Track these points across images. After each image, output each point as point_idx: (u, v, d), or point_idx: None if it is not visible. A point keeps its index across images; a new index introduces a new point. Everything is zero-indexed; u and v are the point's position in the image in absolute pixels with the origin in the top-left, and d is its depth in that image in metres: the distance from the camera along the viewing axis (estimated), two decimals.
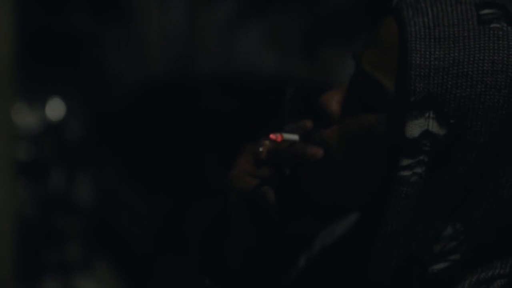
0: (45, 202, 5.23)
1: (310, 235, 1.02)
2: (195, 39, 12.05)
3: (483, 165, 0.86)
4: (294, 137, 0.93)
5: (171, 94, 7.47)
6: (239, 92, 7.46)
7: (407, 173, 0.85)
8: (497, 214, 0.87)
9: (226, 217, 0.97)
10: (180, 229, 5.82)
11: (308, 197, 0.90)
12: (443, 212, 0.86)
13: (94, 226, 5.38)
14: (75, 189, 5.30)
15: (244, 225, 0.95)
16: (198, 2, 11.34)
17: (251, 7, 9.01)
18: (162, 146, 6.65)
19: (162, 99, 7.39)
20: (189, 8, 11.86)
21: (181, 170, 6.33)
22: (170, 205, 6.09)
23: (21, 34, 4.21)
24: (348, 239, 0.99)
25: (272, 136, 0.93)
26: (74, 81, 8.73)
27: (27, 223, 5.07)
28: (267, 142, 0.96)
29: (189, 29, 12.15)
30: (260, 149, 0.96)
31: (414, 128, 0.86)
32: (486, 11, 0.88)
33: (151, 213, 6.06)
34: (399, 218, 0.85)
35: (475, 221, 0.87)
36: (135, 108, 7.32)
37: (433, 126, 0.86)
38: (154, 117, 7.03)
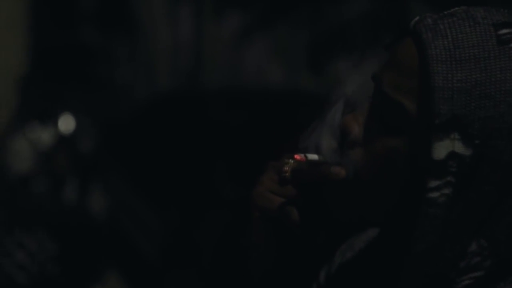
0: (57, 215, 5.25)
1: (331, 249, 1.05)
2: (203, 54, 12.05)
3: (508, 182, 0.88)
4: (318, 157, 0.94)
5: (179, 107, 7.48)
6: (247, 105, 7.46)
7: (435, 194, 0.87)
8: None
9: (240, 230, 0.98)
10: (191, 242, 5.84)
11: (331, 215, 0.92)
12: (469, 229, 0.88)
13: (106, 239, 5.40)
14: (87, 203, 5.32)
15: (267, 241, 0.96)
16: (205, 17, 11.36)
17: (258, 22, 9.04)
18: (171, 159, 6.67)
19: (171, 112, 7.41)
20: (197, 23, 11.87)
21: (191, 183, 6.34)
22: (180, 217, 6.11)
23: (32, 51, 4.25)
24: (370, 254, 1.01)
25: (296, 156, 0.95)
26: (85, 95, 8.74)
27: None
28: (291, 161, 0.97)
29: (197, 44, 12.16)
30: (284, 168, 0.96)
31: (440, 150, 0.87)
32: (504, 30, 0.89)
33: (162, 225, 6.08)
34: (428, 239, 0.87)
35: (499, 236, 0.88)
36: (145, 121, 7.33)
37: (459, 147, 0.87)
38: (164, 130, 7.05)
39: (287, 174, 0.97)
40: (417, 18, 0.94)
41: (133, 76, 10.94)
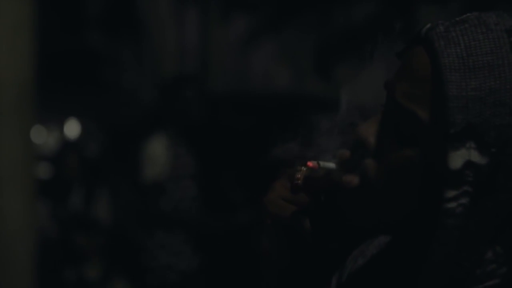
0: (64, 220, 5.25)
1: (342, 256, 1.03)
2: (209, 58, 12.07)
3: None
4: (331, 165, 0.94)
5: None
6: (253, 110, 7.46)
7: (452, 204, 0.87)
8: None
9: (257, 236, 0.98)
10: (197, 247, 5.83)
11: (344, 223, 0.91)
12: (486, 238, 0.88)
13: (113, 244, 5.40)
14: (94, 208, 5.32)
15: (279, 247, 0.96)
16: (212, 21, 11.38)
17: (265, 26, 9.04)
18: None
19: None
20: (203, 27, 11.89)
21: (198, 188, 6.34)
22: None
23: (39, 56, 4.25)
24: (382, 261, 1.00)
25: (309, 163, 0.94)
26: (91, 101, 8.77)
27: (47, 241, 5.10)
28: (304, 169, 0.96)
29: (203, 48, 12.18)
30: (297, 175, 0.96)
31: (457, 160, 0.86)
32: None
33: None
34: (446, 249, 0.86)
35: None
36: (151, 126, 7.33)
37: (475, 156, 0.86)
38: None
39: (299, 181, 0.96)
40: (428, 25, 0.92)
41: (139, 81, 10.95)
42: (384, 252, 1.00)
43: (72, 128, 6.97)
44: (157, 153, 4.54)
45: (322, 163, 0.94)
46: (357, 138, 0.93)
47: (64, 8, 10.04)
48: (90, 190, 5.39)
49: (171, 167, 4.56)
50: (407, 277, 0.92)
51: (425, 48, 0.90)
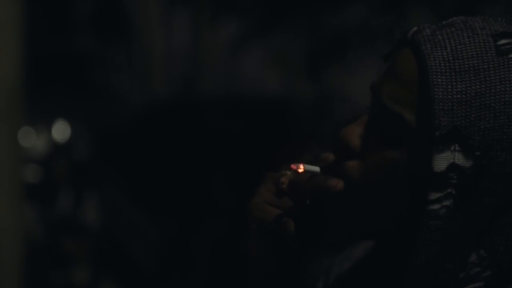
0: (52, 224, 5.23)
1: (328, 260, 1.03)
2: (199, 61, 12.07)
3: (508, 193, 0.88)
4: (316, 168, 0.93)
5: (176, 115, 7.48)
6: (244, 113, 7.47)
7: (436, 206, 0.87)
8: None
9: (241, 241, 0.98)
10: (187, 251, 5.82)
11: (329, 227, 0.91)
12: (469, 240, 0.88)
13: (101, 248, 5.38)
14: (82, 211, 5.30)
15: (264, 252, 0.96)
16: (202, 25, 11.38)
17: (255, 29, 9.05)
18: (168, 167, 6.66)
19: (167, 120, 7.40)
20: (193, 30, 11.89)
21: (187, 191, 6.33)
22: (176, 226, 6.09)
23: (27, 58, 4.24)
24: (367, 265, 1.00)
25: (293, 166, 0.94)
26: (80, 103, 8.75)
27: (35, 245, 5.08)
28: (288, 173, 0.95)
29: (193, 51, 12.18)
30: (281, 179, 0.95)
31: (441, 162, 0.87)
32: (503, 41, 0.89)
33: (158, 234, 6.07)
34: (429, 251, 0.87)
35: (499, 247, 0.88)
36: (141, 129, 7.33)
37: (459, 159, 0.87)
38: (160, 138, 7.05)
39: (284, 185, 0.95)
40: (415, 28, 0.92)
41: (129, 84, 10.94)
42: (370, 256, 1.00)
43: (61, 131, 6.95)
44: None
45: (307, 167, 0.94)
46: (341, 140, 0.92)
47: (53, 10, 10.02)
48: (78, 194, 5.37)
49: None
50: (393, 280, 0.92)
51: (412, 51, 0.90)
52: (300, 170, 0.93)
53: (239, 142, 6.75)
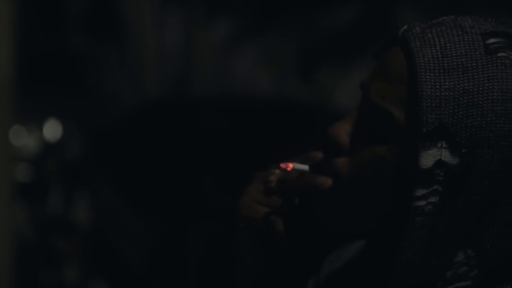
0: (43, 223, 5.23)
1: (319, 260, 1.03)
2: (191, 61, 12.07)
3: (495, 192, 0.88)
4: (304, 167, 0.94)
5: (168, 115, 7.48)
6: (236, 113, 7.46)
7: (422, 203, 0.87)
8: (508, 239, 0.89)
9: (231, 240, 0.98)
10: (177, 251, 5.82)
11: (318, 225, 0.92)
12: (456, 238, 0.88)
13: (92, 248, 5.38)
14: (73, 211, 5.30)
15: (253, 251, 0.97)
16: (195, 24, 11.38)
17: (247, 29, 9.05)
18: (159, 167, 6.65)
19: (159, 119, 7.40)
20: (186, 30, 11.89)
21: (179, 191, 6.33)
22: (167, 226, 6.09)
23: (19, 57, 4.23)
24: (358, 264, 1.00)
25: (282, 165, 0.94)
26: (71, 102, 8.74)
27: (25, 244, 5.07)
28: (277, 171, 0.96)
29: (185, 51, 12.18)
30: (270, 178, 0.96)
31: (428, 159, 0.87)
32: (492, 40, 0.90)
33: (148, 234, 6.06)
34: (414, 247, 0.87)
35: (486, 246, 0.89)
36: (133, 128, 7.32)
37: (446, 156, 0.87)
38: (152, 138, 7.04)
39: (273, 183, 0.95)
40: (405, 26, 0.93)
41: (121, 83, 10.93)
42: (360, 256, 1.01)
43: (52, 130, 6.93)
44: None
45: (295, 165, 0.94)
46: (329, 138, 0.92)
47: (46, 9, 10.00)
48: (69, 193, 5.37)
49: None
50: (381, 279, 0.92)
51: (401, 49, 0.91)
52: (289, 169, 0.94)
53: (231, 142, 6.75)
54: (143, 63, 11.01)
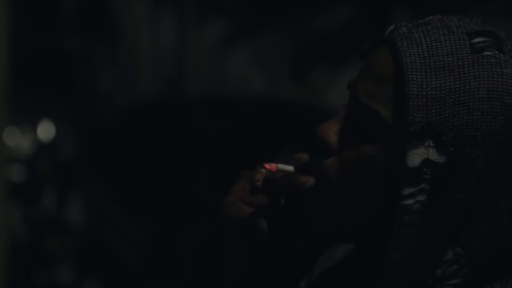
0: (36, 223, 5.22)
1: (310, 259, 1.04)
2: (184, 61, 12.06)
3: (482, 189, 0.89)
4: (289, 167, 0.94)
5: (161, 115, 7.47)
6: (229, 114, 7.46)
7: (409, 201, 0.87)
8: (497, 236, 0.90)
9: (219, 239, 0.98)
10: (171, 251, 5.82)
11: (306, 226, 0.92)
12: (445, 236, 0.88)
13: (85, 248, 5.38)
14: (67, 211, 5.30)
15: (238, 249, 0.97)
16: (187, 25, 11.38)
17: (240, 30, 9.05)
18: (152, 167, 6.65)
19: (152, 120, 7.40)
20: (179, 30, 11.88)
21: (172, 191, 6.33)
22: (161, 226, 6.09)
23: (12, 58, 4.23)
24: (349, 264, 1.01)
25: (267, 165, 0.94)
26: (65, 103, 8.73)
27: (19, 244, 5.07)
28: (263, 171, 0.95)
29: (178, 51, 12.17)
30: (256, 177, 0.95)
31: (415, 158, 0.87)
32: (477, 39, 0.90)
33: (142, 234, 6.06)
34: (403, 246, 0.87)
35: (475, 244, 0.89)
36: (126, 129, 7.32)
37: (433, 155, 0.87)
38: (145, 138, 7.04)
39: (258, 183, 0.95)
40: (392, 26, 0.94)
41: (114, 84, 10.93)
42: (351, 255, 1.01)
43: (46, 131, 6.93)
44: None
45: (280, 166, 0.94)
46: (317, 138, 0.92)
47: (39, 9, 9.99)
48: (63, 193, 5.37)
49: None
50: (372, 278, 0.93)
51: (388, 49, 0.91)
52: (274, 169, 0.94)
53: (223, 143, 6.75)
54: (136, 64, 11.01)
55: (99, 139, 7.28)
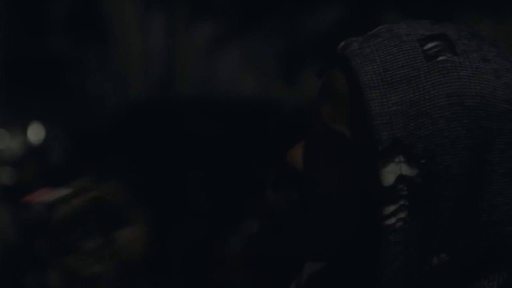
0: (27, 226, 5.21)
1: (300, 261, 1.03)
2: (175, 63, 12.06)
3: (461, 195, 0.88)
4: (65, 191, 0.88)
5: (151, 117, 7.47)
6: (219, 115, 7.47)
7: (391, 221, 0.86)
8: (480, 236, 0.90)
9: (211, 241, 0.97)
10: (161, 251, 5.82)
11: (285, 253, 0.91)
12: (431, 247, 0.88)
13: None
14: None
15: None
16: (178, 26, 11.37)
17: (231, 31, 9.05)
18: (143, 169, 6.65)
19: (142, 122, 7.39)
20: (169, 32, 11.88)
21: (162, 193, 6.33)
22: (151, 227, 6.09)
23: (2, 60, 4.22)
24: (339, 266, 0.98)
25: (41, 191, 0.88)
26: (55, 105, 8.73)
27: (9, 247, 5.05)
28: (44, 200, 0.90)
29: (169, 53, 12.16)
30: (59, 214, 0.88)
31: (388, 176, 0.86)
32: (429, 45, 0.89)
33: None
34: (393, 266, 0.87)
35: (459, 247, 0.89)
36: (116, 131, 7.31)
37: (406, 170, 0.86)
38: (135, 140, 7.04)
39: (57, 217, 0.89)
40: (343, 43, 0.91)
41: (105, 85, 10.92)
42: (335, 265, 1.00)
43: (36, 133, 6.92)
44: None
45: (55, 193, 0.88)
46: (287, 165, 0.91)
47: (29, 12, 9.98)
48: None
49: None
50: (363, 283, 0.92)
51: (342, 68, 0.89)
52: (49, 195, 0.89)
53: (214, 144, 6.75)
54: (127, 65, 11.00)
55: (90, 141, 7.27)
